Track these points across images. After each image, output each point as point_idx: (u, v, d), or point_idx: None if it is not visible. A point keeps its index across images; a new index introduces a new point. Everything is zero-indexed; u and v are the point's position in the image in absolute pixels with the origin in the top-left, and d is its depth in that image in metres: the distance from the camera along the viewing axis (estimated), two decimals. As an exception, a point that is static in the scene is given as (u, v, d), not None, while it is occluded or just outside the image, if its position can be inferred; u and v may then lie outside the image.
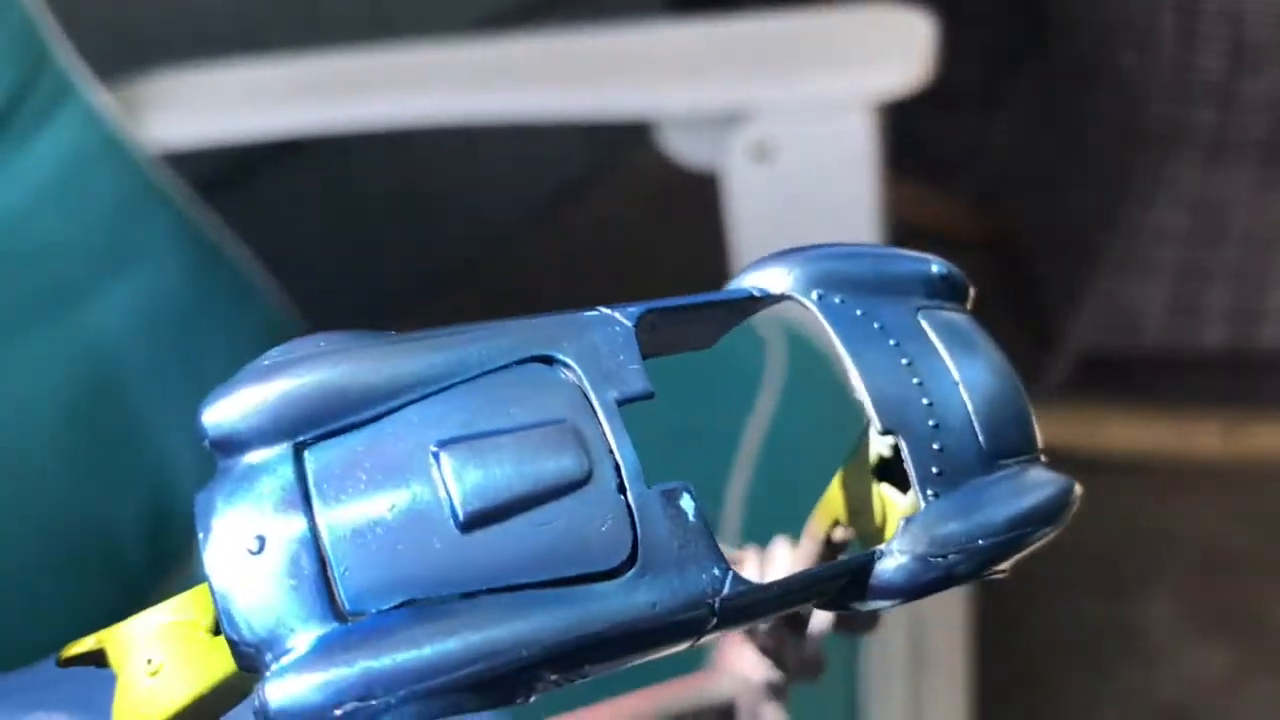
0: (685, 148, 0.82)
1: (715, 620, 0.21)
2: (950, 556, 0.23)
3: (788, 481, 0.68)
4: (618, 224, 1.71)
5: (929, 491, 0.24)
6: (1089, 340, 1.30)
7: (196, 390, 0.82)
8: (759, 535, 0.63)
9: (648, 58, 0.82)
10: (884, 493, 0.28)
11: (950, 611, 0.83)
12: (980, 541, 0.24)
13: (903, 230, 0.90)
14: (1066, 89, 1.33)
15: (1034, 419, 0.27)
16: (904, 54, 0.77)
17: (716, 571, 0.21)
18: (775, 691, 0.32)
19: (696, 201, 1.63)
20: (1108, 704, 1.11)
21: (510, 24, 1.35)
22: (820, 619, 0.30)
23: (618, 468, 0.21)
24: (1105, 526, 1.26)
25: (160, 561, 0.76)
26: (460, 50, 0.85)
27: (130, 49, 1.00)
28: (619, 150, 1.72)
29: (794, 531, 0.66)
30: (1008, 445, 0.26)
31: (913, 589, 0.24)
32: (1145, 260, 1.24)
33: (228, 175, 1.06)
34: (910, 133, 1.26)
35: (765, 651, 0.31)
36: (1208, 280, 1.24)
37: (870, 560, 0.23)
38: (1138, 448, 1.31)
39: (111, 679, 0.21)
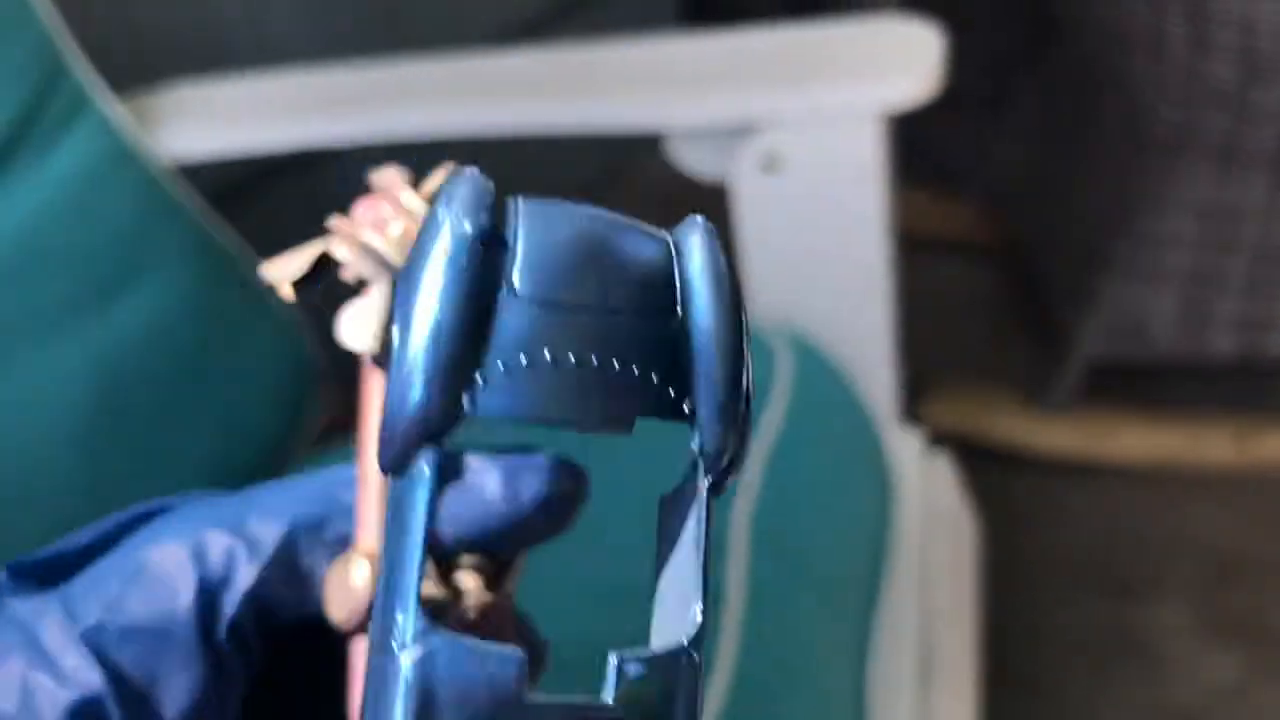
0: (695, 159, 0.82)
1: None
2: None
3: (792, 483, 0.68)
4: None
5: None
6: (1098, 348, 1.30)
7: (208, 401, 0.83)
8: (765, 550, 0.64)
9: (658, 70, 0.83)
10: None
11: (960, 618, 0.84)
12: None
13: (909, 238, 0.90)
14: (1074, 95, 1.33)
15: None
16: (913, 66, 0.77)
17: None
18: None
19: (705, 210, 1.63)
20: (1116, 709, 1.11)
21: (522, 37, 1.36)
22: None
23: None
24: (1116, 533, 1.27)
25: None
26: (472, 63, 0.86)
27: (145, 61, 1.00)
28: (628, 159, 1.73)
29: (804, 527, 0.66)
30: None
31: None
32: (1155, 268, 1.24)
33: (241, 186, 1.07)
34: (917, 139, 1.26)
35: None
36: (1218, 289, 1.24)
37: None
38: (1149, 455, 1.31)
39: None
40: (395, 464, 0.18)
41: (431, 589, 0.24)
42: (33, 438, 0.71)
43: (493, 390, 0.18)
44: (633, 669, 0.19)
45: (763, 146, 0.79)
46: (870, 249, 0.81)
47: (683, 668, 0.19)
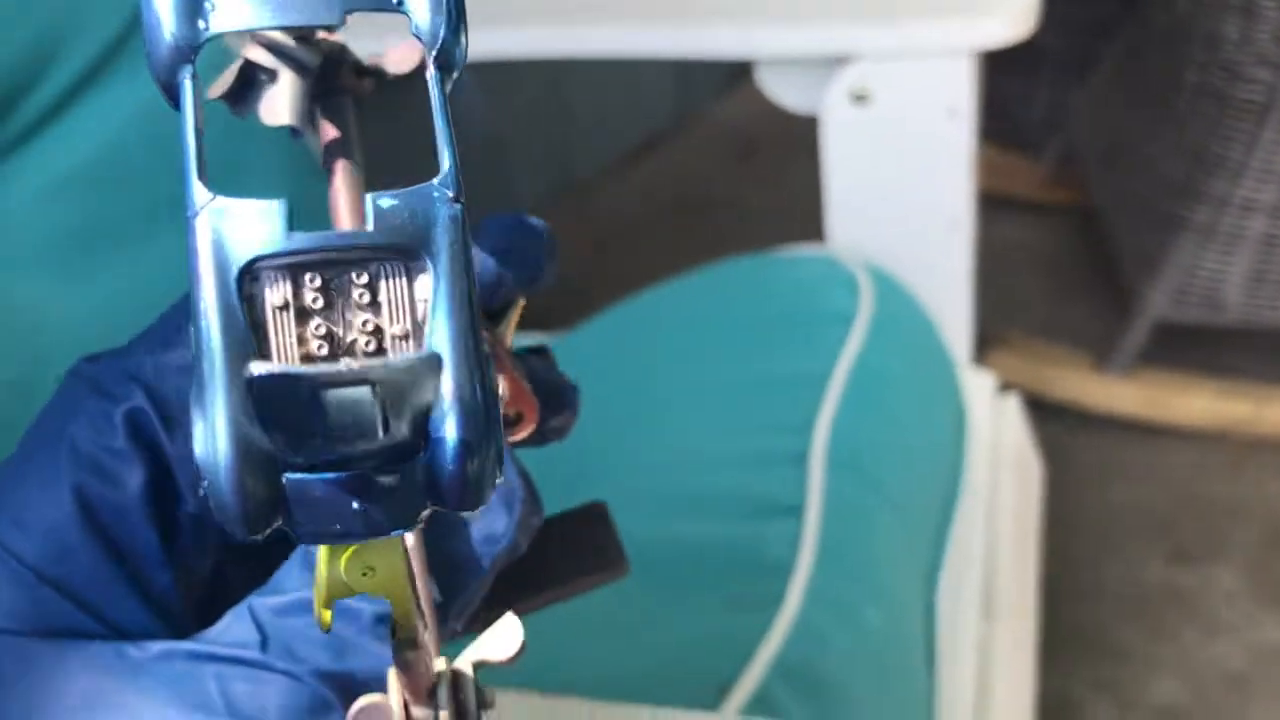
0: (784, 90, 0.83)
1: None
2: None
3: (871, 406, 0.69)
4: (697, 175, 1.72)
5: None
6: (1166, 311, 1.29)
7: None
8: (842, 466, 0.65)
9: (753, -1, 0.83)
10: None
11: (1022, 557, 0.84)
12: None
13: (981, 194, 0.91)
14: (1160, 56, 1.32)
15: None
16: (1008, 6, 0.77)
17: None
18: None
19: (775, 155, 1.64)
20: (1167, 667, 1.12)
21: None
22: None
23: None
24: (1175, 495, 1.27)
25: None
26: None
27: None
28: (700, 103, 1.73)
29: (882, 449, 0.67)
30: None
31: None
32: (1230, 232, 1.24)
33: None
34: (994, 97, 1.26)
35: None
36: (1293, 255, 1.24)
37: None
38: (1210, 419, 1.31)
39: None
40: (166, 88, 0.21)
41: None
42: (118, 341, 0.73)
43: (221, 12, 0.21)
44: (384, 201, 0.21)
45: (853, 79, 0.79)
46: (955, 187, 0.82)
47: (435, 200, 0.21)
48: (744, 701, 0.50)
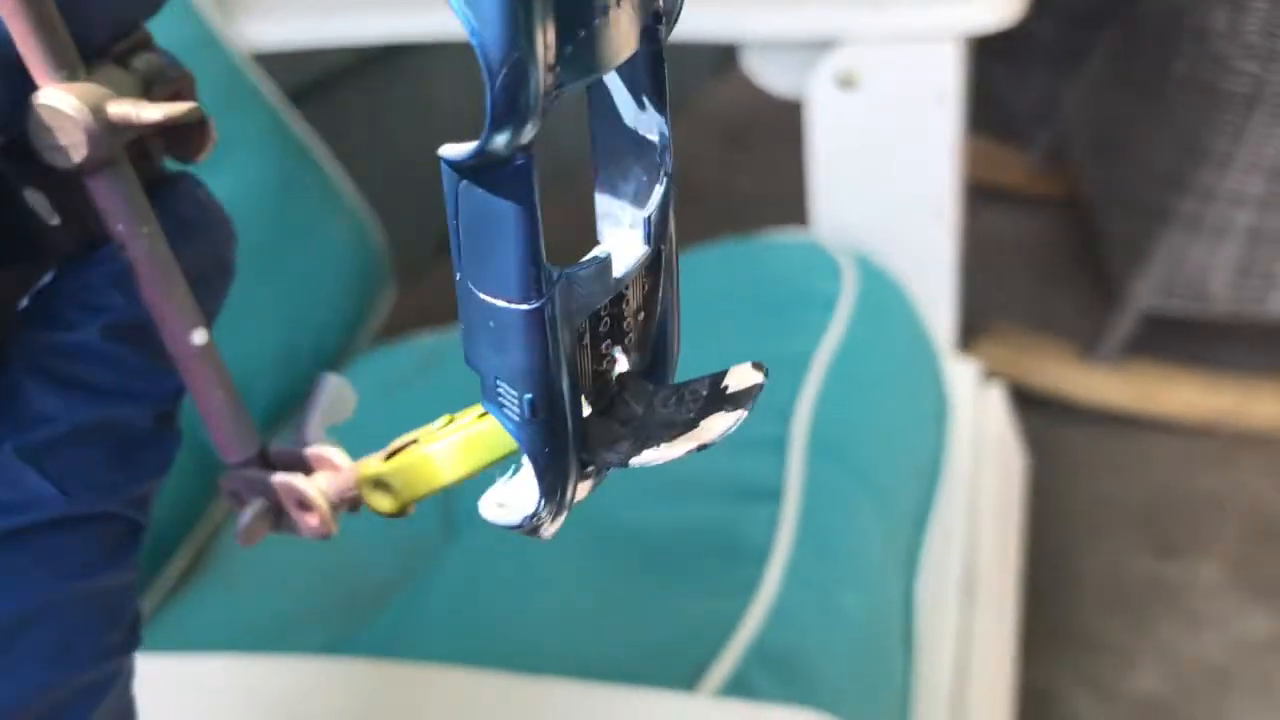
0: (771, 73, 0.82)
1: None
2: None
3: (853, 392, 0.69)
4: (684, 161, 1.71)
5: None
6: (1153, 302, 1.29)
7: (281, 284, 0.84)
8: (823, 452, 0.64)
9: (739, -19, 0.82)
10: None
11: (1004, 546, 0.84)
12: None
13: (968, 185, 0.91)
14: (1150, 48, 1.32)
15: None
16: (996, -10, 0.77)
17: None
18: None
19: (767, 139, 1.63)
20: (1149, 660, 1.12)
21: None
22: None
23: None
24: (1160, 487, 1.27)
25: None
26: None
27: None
28: (688, 89, 1.72)
29: (862, 434, 0.67)
30: None
31: None
32: (1217, 224, 1.23)
33: (312, 85, 1.08)
34: (984, 87, 1.26)
35: None
36: (1279, 247, 1.24)
37: None
38: (1197, 412, 1.31)
39: None
40: (485, 164, 0.18)
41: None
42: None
43: (568, 66, 0.18)
44: (655, 215, 0.21)
45: (840, 62, 0.79)
46: (941, 174, 0.81)
47: (667, 186, 0.22)
48: (720, 685, 0.50)
